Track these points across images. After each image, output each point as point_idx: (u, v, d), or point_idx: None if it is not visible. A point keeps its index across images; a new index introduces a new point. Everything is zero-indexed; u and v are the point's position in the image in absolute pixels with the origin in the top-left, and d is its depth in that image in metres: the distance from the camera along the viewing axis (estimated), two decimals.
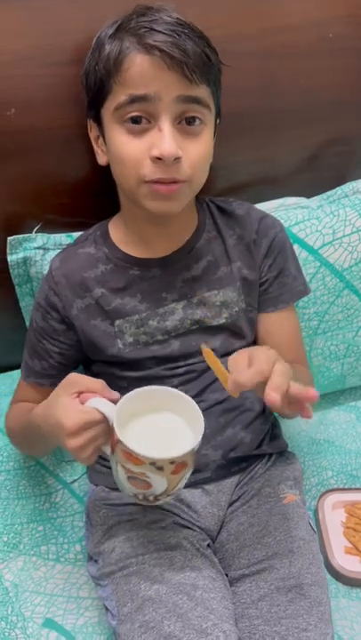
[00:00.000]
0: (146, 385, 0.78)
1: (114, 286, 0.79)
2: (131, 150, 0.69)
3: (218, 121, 0.76)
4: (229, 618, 0.66)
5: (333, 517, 0.88)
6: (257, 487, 0.80)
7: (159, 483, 0.59)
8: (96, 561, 0.77)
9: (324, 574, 0.75)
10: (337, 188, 0.98)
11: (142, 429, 0.63)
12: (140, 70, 0.66)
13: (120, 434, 0.58)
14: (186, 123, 0.69)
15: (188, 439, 0.61)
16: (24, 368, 0.84)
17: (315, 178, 1.02)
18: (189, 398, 0.63)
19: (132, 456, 0.58)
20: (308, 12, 0.88)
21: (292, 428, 1.02)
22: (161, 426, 0.64)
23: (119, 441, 0.58)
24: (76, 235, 0.89)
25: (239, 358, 0.61)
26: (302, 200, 0.98)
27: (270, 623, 0.67)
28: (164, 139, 0.66)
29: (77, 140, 0.84)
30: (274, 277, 0.84)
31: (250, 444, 0.82)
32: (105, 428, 0.62)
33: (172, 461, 0.58)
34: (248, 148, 0.94)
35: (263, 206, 0.94)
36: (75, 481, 0.94)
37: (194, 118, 0.69)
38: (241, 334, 0.82)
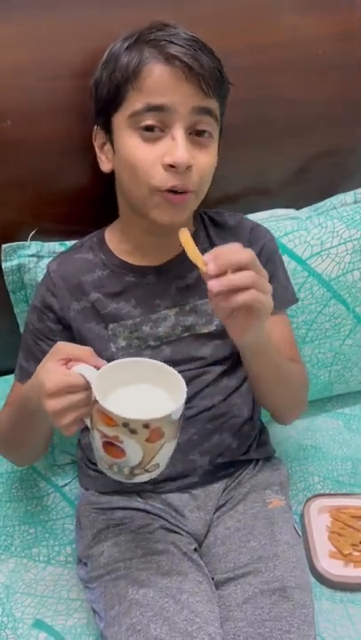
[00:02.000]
0: None
1: (110, 291, 0.80)
2: (143, 156, 0.71)
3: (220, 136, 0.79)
4: (215, 620, 0.68)
5: (319, 522, 0.90)
6: (243, 492, 0.82)
7: (134, 450, 0.58)
8: (85, 564, 0.78)
9: (308, 578, 0.77)
10: (326, 200, 1.01)
11: (123, 396, 0.62)
12: (160, 80, 0.69)
13: (97, 393, 0.58)
14: (196, 134, 0.72)
15: (168, 407, 0.60)
16: (19, 370, 0.85)
17: (304, 189, 1.04)
18: (173, 371, 0.63)
19: (106, 416, 0.56)
20: (297, 29, 0.90)
21: (280, 434, 1.04)
22: (142, 395, 0.63)
23: (95, 400, 0.57)
24: (70, 243, 0.91)
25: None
26: (292, 211, 1.00)
27: (254, 625, 0.69)
28: (178, 147, 0.69)
29: (73, 150, 0.86)
30: None
31: (237, 449, 0.84)
32: (88, 396, 0.60)
33: (145, 424, 0.57)
34: (240, 159, 0.96)
35: (254, 217, 0.96)
36: (66, 485, 0.96)
37: (204, 131, 0.72)
38: (231, 343, 0.84)
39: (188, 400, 0.81)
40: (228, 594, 0.73)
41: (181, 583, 0.71)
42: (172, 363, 0.80)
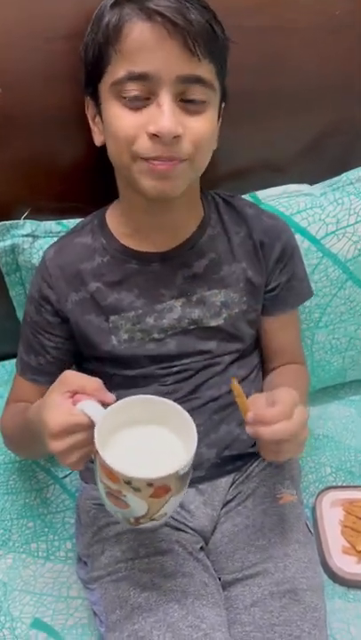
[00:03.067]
0: (141, 383, 0.76)
1: (110, 280, 0.75)
2: (126, 124, 0.64)
3: (223, 104, 0.72)
4: (221, 625, 0.65)
5: (331, 516, 0.85)
6: (252, 487, 0.78)
7: (137, 505, 0.55)
8: (85, 563, 0.75)
9: (321, 578, 0.73)
10: (342, 175, 0.94)
11: (129, 443, 0.59)
12: (140, 38, 0.62)
13: (99, 444, 0.55)
14: (188, 101, 0.65)
15: (176, 461, 0.56)
16: (20, 363, 0.81)
17: (318, 164, 0.97)
18: (188, 416, 0.59)
19: (108, 470, 0.54)
20: None
21: None
22: (152, 441, 0.60)
23: (97, 452, 0.55)
24: (68, 222, 0.85)
25: (262, 399, 0.63)
26: (305, 187, 0.93)
27: (263, 630, 0.65)
28: (163, 115, 0.62)
29: (71, 120, 0.79)
30: (284, 282, 0.81)
31: (245, 441, 0.79)
32: (93, 434, 0.58)
33: (149, 483, 0.53)
34: (247, 131, 0.89)
35: (265, 193, 0.91)
36: (66, 476, 0.92)
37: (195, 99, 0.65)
38: (239, 336, 0.79)
39: (195, 390, 0.77)
40: (236, 595, 0.70)
41: (186, 586, 0.67)
42: (177, 356, 0.76)
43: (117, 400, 0.59)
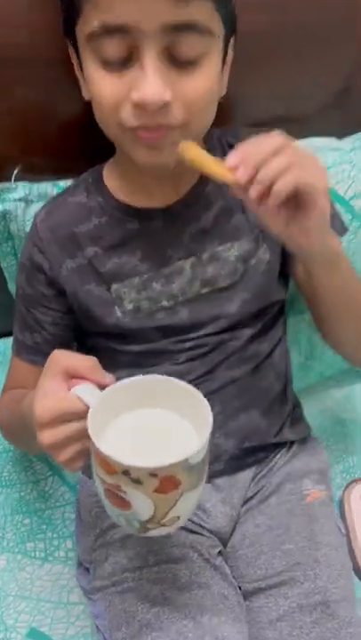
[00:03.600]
0: (150, 361, 0.67)
1: (109, 243, 0.66)
2: (108, 90, 0.55)
3: (232, 40, 0.61)
4: None
5: None
6: (276, 482, 0.69)
7: (141, 503, 0.45)
8: (87, 569, 0.66)
9: (353, 586, 0.64)
10: None
11: (130, 429, 0.49)
12: None
13: (93, 431, 0.45)
14: (180, 52, 0.53)
15: (186, 447, 0.46)
16: (15, 343, 0.72)
17: (347, 114, 0.86)
18: (200, 395, 0.49)
19: (101, 459, 0.45)
20: None
21: (314, 406, 0.89)
22: (157, 426, 0.50)
23: (89, 439, 0.45)
24: (64, 184, 0.76)
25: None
26: (333, 141, 0.83)
27: None
28: (147, 80, 0.52)
29: (67, 68, 0.68)
30: None
31: (268, 430, 0.70)
32: None
33: (152, 473, 0.44)
34: (265, 78, 0.78)
35: None
36: None
37: (191, 47, 0.53)
38: (265, 293, 0.69)
39: (211, 370, 0.67)
40: (259, 607, 0.61)
41: (203, 599, 0.58)
42: (191, 327, 0.67)
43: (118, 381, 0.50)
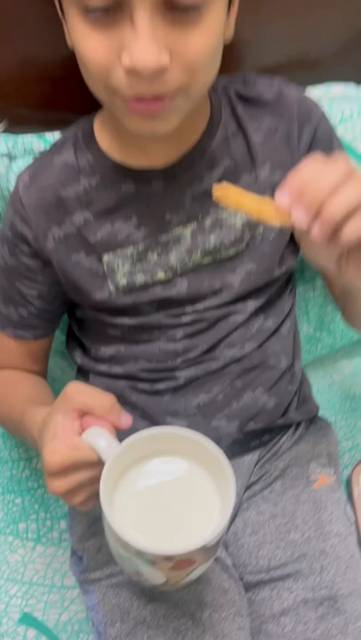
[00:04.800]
0: (144, 336, 0.62)
1: (101, 207, 0.59)
2: (94, 50, 0.46)
3: None
4: None
5: None
6: (282, 466, 0.64)
7: (154, 575, 0.43)
8: (80, 558, 0.62)
9: None
10: None
11: (146, 490, 0.46)
12: None
13: (105, 501, 0.42)
14: (177, 4, 0.44)
15: (207, 527, 0.43)
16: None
17: None
18: (221, 453, 0.45)
19: (116, 536, 0.42)
20: None
21: (321, 381, 0.85)
22: (176, 488, 0.47)
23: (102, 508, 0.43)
24: (53, 137, 0.68)
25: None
26: (351, 88, 0.75)
27: None
28: (139, 41, 0.43)
29: (52, 13, 0.60)
30: None
31: (274, 410, 0.65)
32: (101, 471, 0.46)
33: (168, 557, 0.41)
34: (279, 17, 0.70)
35: None
36: None
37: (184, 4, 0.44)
38: (272, 263, 0.62)
39: (210, 350, 0.62)
40: (262, 600, 0.58)
41: (202, 594, 0.55)
42: (190, 300, 0.61)
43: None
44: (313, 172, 0.43)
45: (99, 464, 0.45)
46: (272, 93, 0.61)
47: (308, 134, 0.61)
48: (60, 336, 0.74)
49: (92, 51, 0.46)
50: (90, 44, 0.46)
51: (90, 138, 0.61)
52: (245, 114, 0.60)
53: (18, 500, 0.74)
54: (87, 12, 0.45)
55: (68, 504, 0.48)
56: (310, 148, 0.62)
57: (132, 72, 0.45)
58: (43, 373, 0.71)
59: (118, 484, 0.46)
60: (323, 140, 0.62)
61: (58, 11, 0.53)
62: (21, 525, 0.72)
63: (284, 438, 0.66)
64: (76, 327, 0.69)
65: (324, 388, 0.84)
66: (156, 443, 0.47)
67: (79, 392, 0.48)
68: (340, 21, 0.75)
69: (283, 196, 0.43)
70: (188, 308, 0.62)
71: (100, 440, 0.45)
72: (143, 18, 0.43)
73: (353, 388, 0.86)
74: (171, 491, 0.47)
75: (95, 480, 0.45)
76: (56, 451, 0.46)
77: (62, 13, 0.51)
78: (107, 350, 0.65)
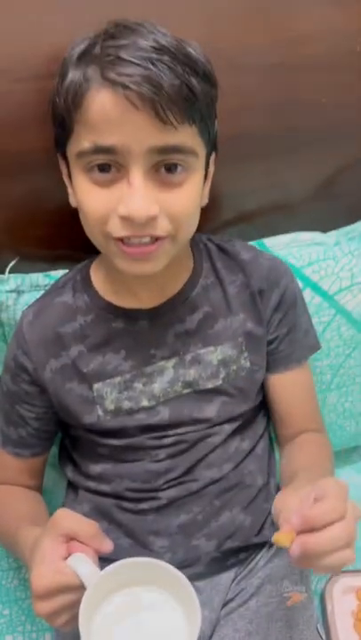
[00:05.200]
0: (130, 456, 0.68)
1: (94, 341, 0.67)
2: (95, 204, 0.57)
3: (213, 155, 0.64)
4: None
5: (343, 605, 0.75)
6: (257, 584, 0.69)
7: None
8: None
9: None
10: (358, 223, 0.86)
11: (122, 616, 0.52)
12: (102, 111, 0.53)
13: (84, 627, 0.48)
14: (165, 170, 0.56)
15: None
16: (1, 435, 0.73)
17: (333, 207, 0.89)
18: (188, 584, 0.52)
19: None
20: (330, 21, 0.74)
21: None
22: (148, 617, 0.53)
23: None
24: (56, 274, 0.77)
25: (295, 498, 0.54)
26: (318, 235, 0.85)
27: None
28: (134, 196, 0.54)
29: (57, 163, 0.71)
30: (284, 334, 0.72)
31: (250, 528, 0.70)
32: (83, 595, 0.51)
33: None
34: (258, 172, 0.82)
35: (273, 241, 0.83)
36: None
37: (176, 165, 0.56)
38: (243, 397, 0.70)
39: (190, 470, 0.68)
40: None
41: None
42: (172, 425, 0.68)
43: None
44: (324, 510, 0.50)
45: (81, 588, 0.50)
46: (248, 255, 0.71)
47: (276, 296, 0.70)
48: (52, 449, 0.80)
49: (94, 204, 0.57)
50: (93, 200, 0.57)
51: (86, 281, 0.70)
52: (223, 267, 0.70)
53: (6, 612, 0.77)
54: (93, 173, 0.56)
55: (51, 625, 0.52)
56: (276, 308, 0.71)
57: (127, 220, 0.55)
58: (38, 488, 0.76)
59: (97, 611, 0.51)
60: (288, 302, 0.72)
61: (64, 175, 0.64)
62: (8, 638, 0.75)
63: (260, 556, 0.71)
64: (69, 443, 0.75)
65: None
66: (133, 571, 0.52)
67: (66, 519, 0.54)
68: (308, 175, 0.86)
69: (294, 520, 0.50)
70: (170, 432, 0.68)
71: (82, 566, 0.51)
72: (138, 177, 0.54)
73: None
74: (143, 621, 0.52)
75: (77, 603, 0.50)
76: (43, 575, 0.51)
77: (69, 177, 0.62)
78: (95, 468, 0.70)
